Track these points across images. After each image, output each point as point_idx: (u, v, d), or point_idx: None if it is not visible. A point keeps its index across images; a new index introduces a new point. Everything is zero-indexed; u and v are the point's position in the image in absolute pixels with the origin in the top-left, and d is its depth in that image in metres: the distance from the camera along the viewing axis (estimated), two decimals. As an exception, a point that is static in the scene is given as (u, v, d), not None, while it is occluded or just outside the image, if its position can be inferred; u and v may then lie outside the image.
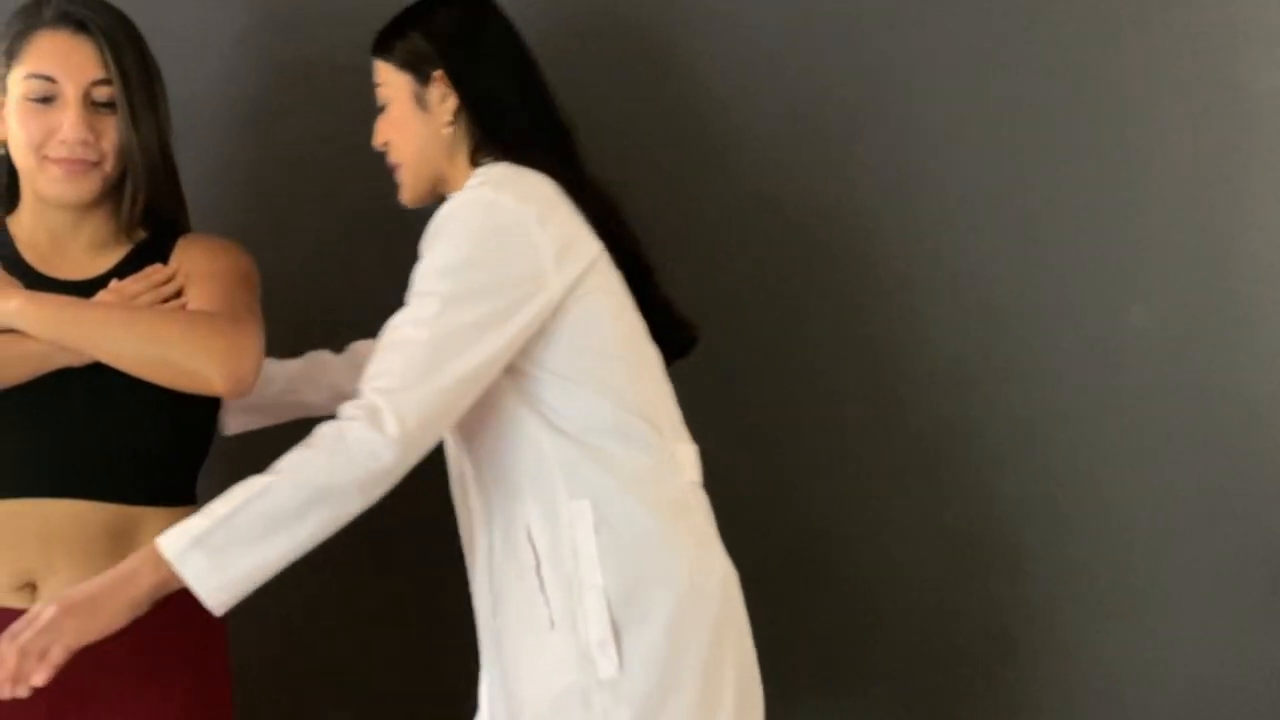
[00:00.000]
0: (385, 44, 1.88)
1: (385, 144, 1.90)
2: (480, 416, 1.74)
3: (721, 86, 2.31)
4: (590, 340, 1.75)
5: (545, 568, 1.71)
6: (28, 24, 1.81)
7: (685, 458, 1.81)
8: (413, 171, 1.88)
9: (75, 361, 1.73)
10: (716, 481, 1.84)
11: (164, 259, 1.88)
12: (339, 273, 2.31)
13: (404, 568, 2.29)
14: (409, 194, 1.90)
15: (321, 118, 2.29)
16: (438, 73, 1.84)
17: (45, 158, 1.79)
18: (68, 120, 1.78)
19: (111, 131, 1.81)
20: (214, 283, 1.83)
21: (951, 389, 2.31)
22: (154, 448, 1.80)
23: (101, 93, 1.80)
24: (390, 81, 1.88)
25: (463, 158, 1.85)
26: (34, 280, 1.82)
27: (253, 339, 1.77)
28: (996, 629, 2.32)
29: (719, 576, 1.76)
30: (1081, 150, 2.29)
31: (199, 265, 1.86)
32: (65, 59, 1.79)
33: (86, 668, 1.72)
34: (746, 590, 1.81)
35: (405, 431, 1.61)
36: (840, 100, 2.31)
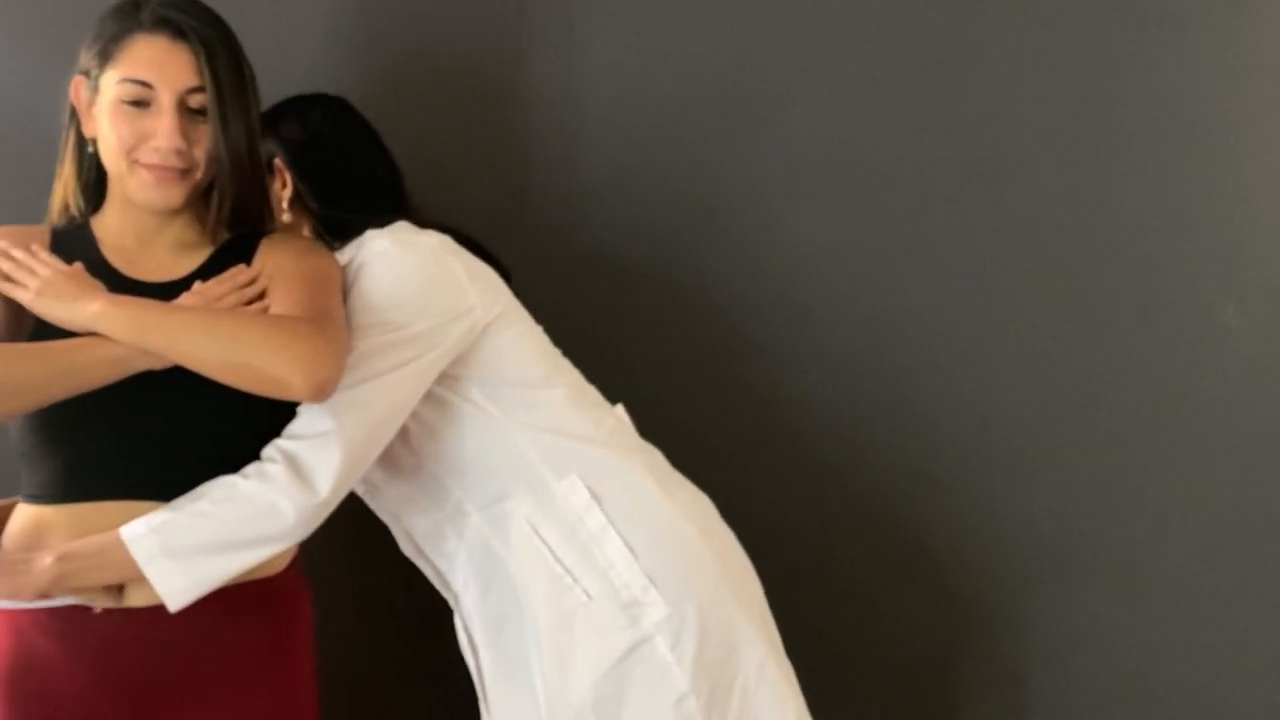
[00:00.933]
0: None
1: None
2: (446, 443, 1.87)
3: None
4: (526, 345, 1.91)
5: (561, 550, 1.82)
6: (125, 26, 1.79)
7: (621, 415, 1.99)
8: None
9: (157, 365, 1.73)
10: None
11: (247, 260, 1.87)
12: None
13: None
14: None
15: (409, 118, 2.28)
16: (277, 159, 1.97)
17: (136, 162, 1.79)
18: (162, 128, 1.77)
19: (204, 139, 1.80)
20: (297, 285, 1.82)
21: (1049, 389, 2.31)
22: (234, 450, 1.79)
23: (196, 100, 1.79)
24: None
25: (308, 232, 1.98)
26: (117, 282, 1.81)
27: (335, 343, 1.75)
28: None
29: (695, 501, 1.93)
30: (1178, 152, 2.26)
31: (283, 267, 1.85)
32: (162, 65, 1.77)
33: (177, 665, 1.77)
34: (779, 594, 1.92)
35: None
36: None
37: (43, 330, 1.76)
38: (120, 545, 1.70)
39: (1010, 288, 2.30)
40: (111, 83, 1.79)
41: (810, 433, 2.33)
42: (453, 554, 1.91)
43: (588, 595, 1.80)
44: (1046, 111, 2.27)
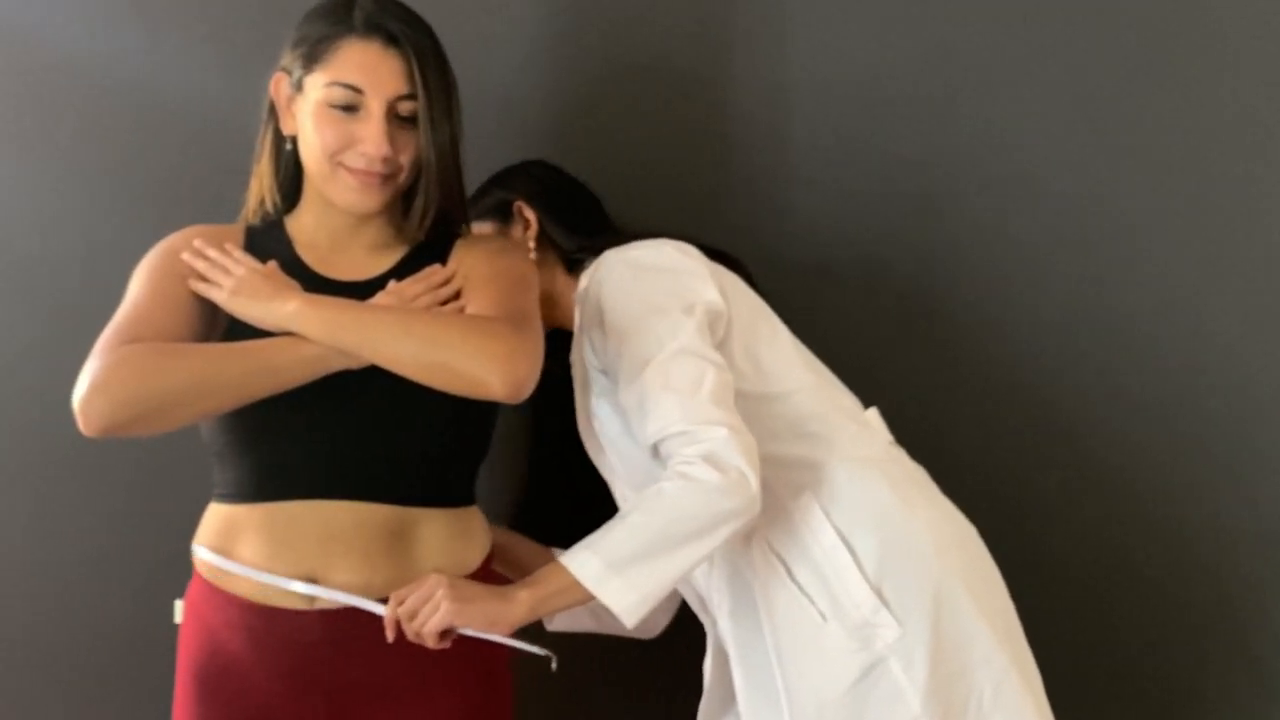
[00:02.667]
0: (469, 211, 1.99)
1: None
2: None
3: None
4: (757, 351, 1.87)
5: (796, 569, 1.79)
6: (335, 29, 1.78)
7: (873, 420, 1.93)
8: None
9: (352, 364, 1.71)
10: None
11: (442, 260, 1.86)
12: None
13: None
14: None
15: (614, 120, 2.27)
16: (517, 203, 2.03)
17: (340, 165, 1.78)
18: (371, 134, 1.75)
19: (410, 145, 1.79)
20: (493, 286, 1.80)
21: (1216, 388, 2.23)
22: (432, 450, 1.79)
23: (405, 107, 1.78)
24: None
25: (560, 270, 2.01)
26: (311, 281, 1.80)
27: (532, 343, 1.73)
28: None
29: (939, 512, 1.87)
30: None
31: (478, 267, 1.83)
32: (374, 71, 1.76)
33: (368, 669, 1.76)
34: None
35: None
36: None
37: (236, 330, 1.76)
38: (567, 572, 1.69)
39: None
40: (318, 84, 1.77)
41: (1072, 433, 2.26)
42: (708, 576, 1.90)
43: (823, 617, 1.76)
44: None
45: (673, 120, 2.24)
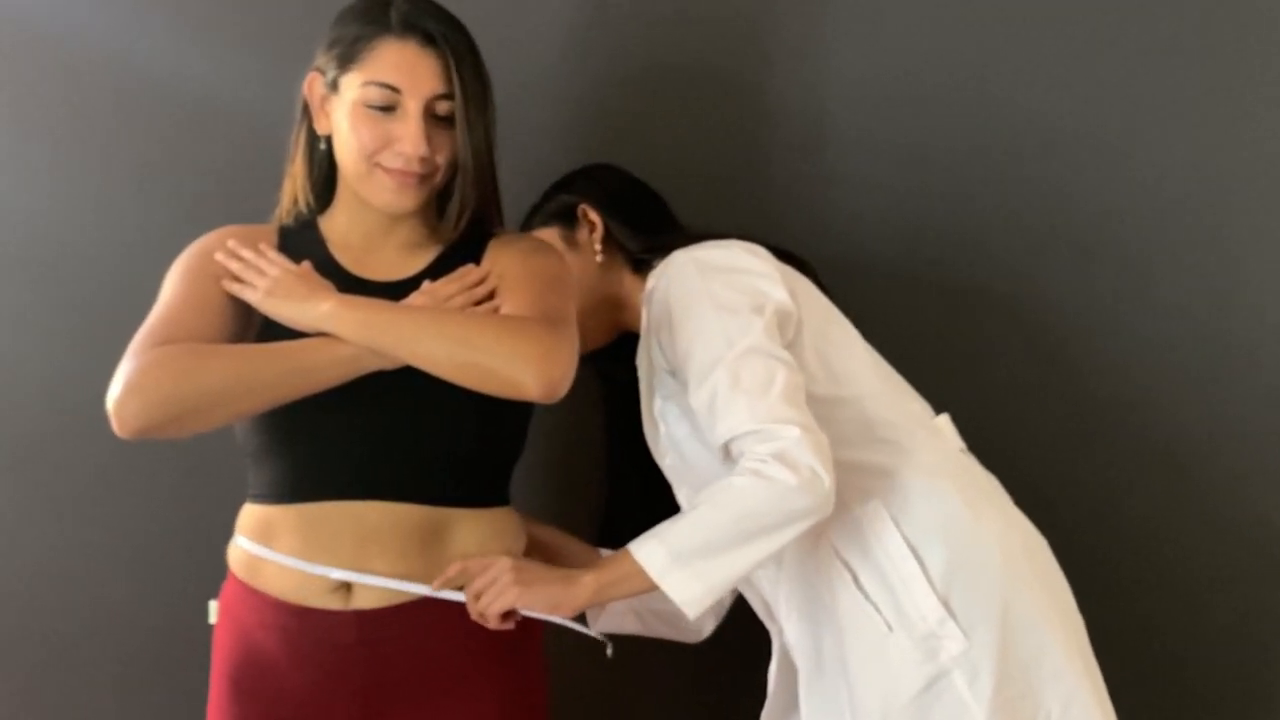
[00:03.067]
0: (529, 220, 2.07)
1: None
2: None
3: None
4: (828, 355, 1.83)
5: (863, 577, 1.76)
6: (371, 28, 1.77)
7: (944, 427, 1.90)
8: (587, 313, 1.94)
9: (387, 365, 1.71)
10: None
11: (475, 260, 1.85)
12: None
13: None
14: (591, 337, 1.96)
15: (644, 118, 2.27)
16: (581, 205, 2.01)
17: (377, 166, 1.77)
18: (409, 134, 1.75)
19: (446, 145, 1.78)
20: (528, 285, 1.79)
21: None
22: (467, 450, 1.78)
23: (442, 107, 1.77)
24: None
25: (628, 272, 2.00)
26: (345, 281, 1.80)
27: (567, 343, 1.72)
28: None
29: (1010, 523, 1.83)
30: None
31: (512, 267, 1.82)
32: (411, 71, 1.75)
33: (402, 670, 1.76)
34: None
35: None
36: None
37: (270, 330, 1.76)
38: (634, 560, 1.69)
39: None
40: (355, 84, 1.77)
41: (1116, 427, 2.25)
42: (775, 581, 1.88)
43: (888, 626, 1.73)
44: None
45: (710, 121, 2.23)
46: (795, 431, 1.64)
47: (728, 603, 2.02)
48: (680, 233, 2.00)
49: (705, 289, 1.77)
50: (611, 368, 2.06)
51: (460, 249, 1.85)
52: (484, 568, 1.74)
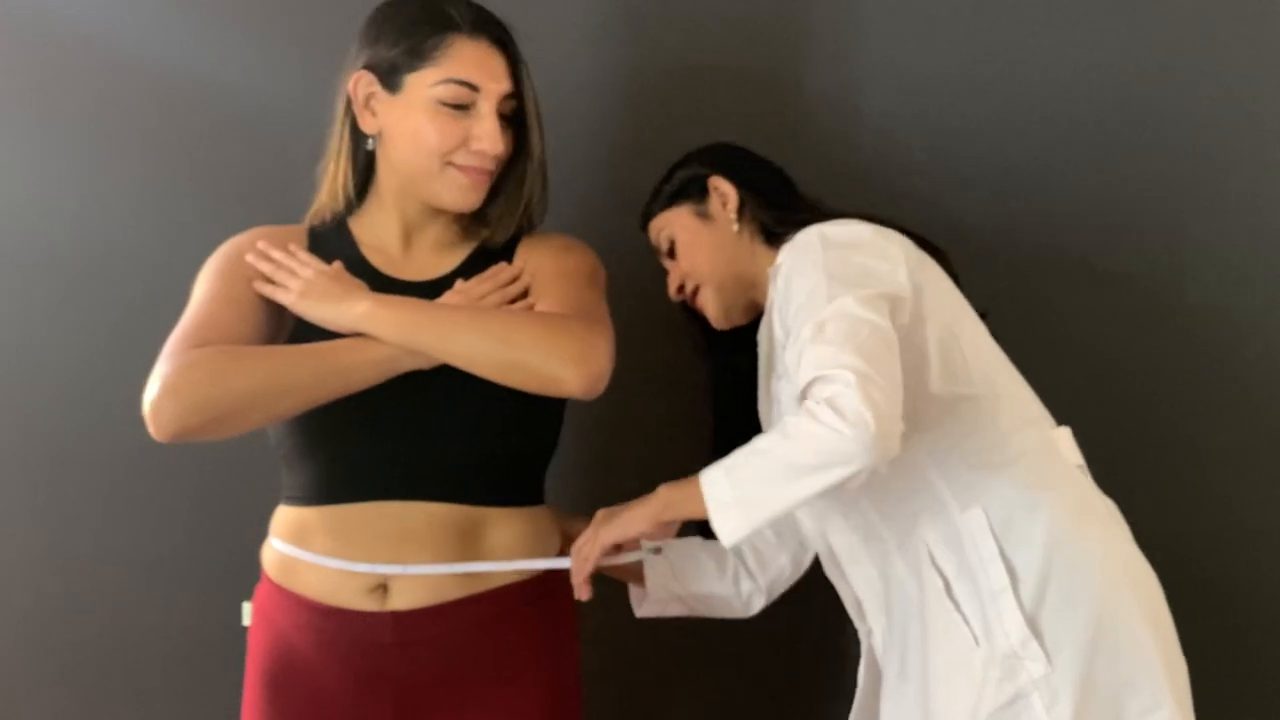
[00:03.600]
0: (653, 203, 2.00)
1: (683, 281, 1.96)
2: None
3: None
4: (952, 351, 1.76)
5: (955, 587, 1.69)
6: (442, 27, 1.77)
7: (1061, 441, 1.80)
8: (719, 286, 1.92)
9: (423, 365, 1.71)
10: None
11: (507, 258, 1.85)
12: None
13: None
14: (723, 312, 1.94)
15: (673, 120, 2.26)
16: (712, 178, 1.94)
17: (450, 164, 1.77)
18: (487, 132, 1.76)
19: (509, 144, 1.80)
20: (562, 282, 1.79)
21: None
22: (504, 449, 1.78)
23: (508, 106, 1.79)
24: (668, 224, 1.97)
25: (759, 244, 1.92)
26: (377, 281, 1.80)
27: (605, 339, 1.73)
28: None
29: (1117, 549, 1.73)
30: None
31: (545, 265, 1.83)
32: (487, 69, 1.76)
33: (438, 670, 1.76)
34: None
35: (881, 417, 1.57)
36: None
37: (303, 331, 1.76)
38: (699, 484, 1.65)
39: None
40: (427, 82, 1.76)
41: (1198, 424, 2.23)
42: (869, 581, 1.83)
43: (975, 640, 1.67)
44: None
45: (745, 117, 2.22)
46: (850, 376, 1.55)
47: (780, 585, 1.99)
48: (812, 208, 1.93)
49: (824, 259, 1.72)
50: (732, 358, 2.02)
51: (491, 248, 1.86)
52: (583, 532, 1.77)
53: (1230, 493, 2.21)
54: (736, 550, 1.97)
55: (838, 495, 1.66)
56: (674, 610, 2.01)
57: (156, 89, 2.28)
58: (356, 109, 1.81)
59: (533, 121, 1.80)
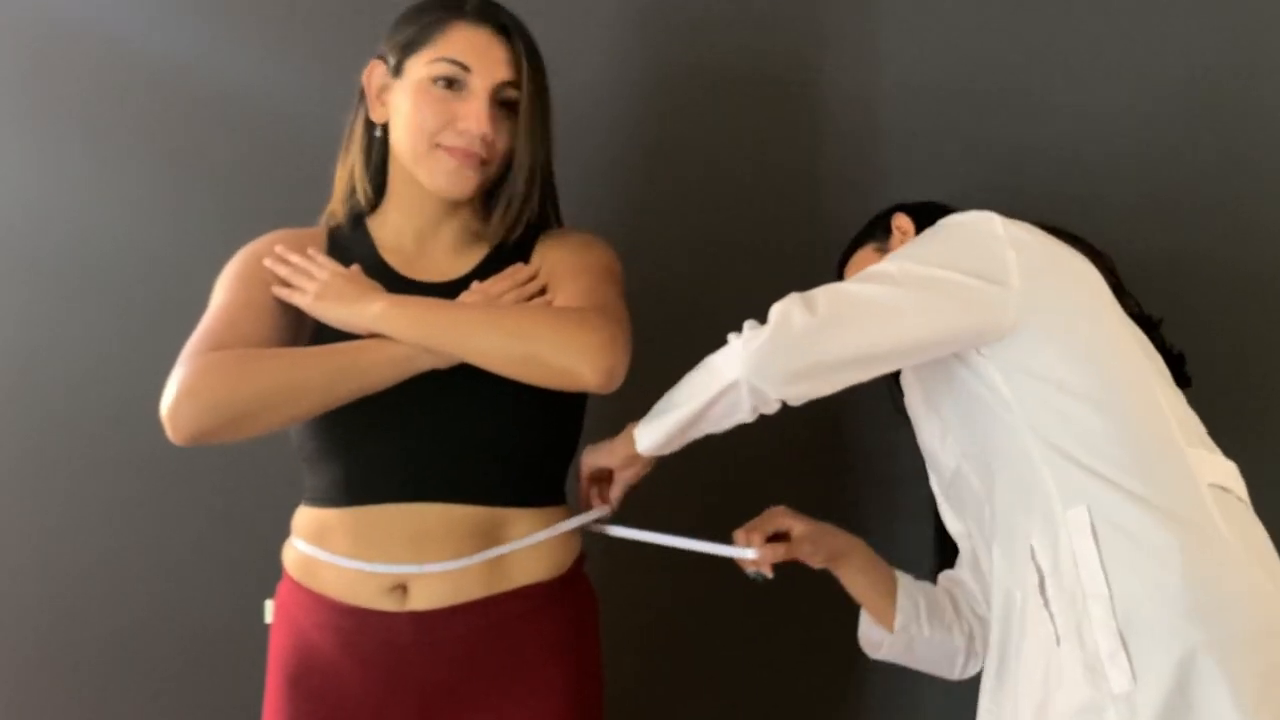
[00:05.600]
0: (846, 249, 2.04)
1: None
2: (987, 437, 1.72)
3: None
4: (1071, 349, 1.68)
5: (1049, 583, 1.63)
6: (445, 14, 1.79)
7: (1201, 463, 1.66)
8: None
9: (441, 364, 1.71)
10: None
11: (524, 258, 1.85)
12: (705, 276, 2.28)
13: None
14: None
15: (692, 122, 2.26)
16: (895, 215, 1.97)
17: (438, 145, 1.78)
18: (474, 112, 1.76)
19: (507, 135, 1.79)
20: (579, 278, 1.79)
21: None
22: (523, 449, 1.78)
23: (509, 94, 1.78)
24: (854, 264, 2.00)
25: None
26: (395, 283, 1.80)
27: (622, 332, 1.72)
28: None
29: (1238, 584, 1.59)
30: None
31: (563, 262, 1.82)
32: (483, 52, 1.77)
33: (459, 671, 1.75)
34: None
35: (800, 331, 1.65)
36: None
37: (323, 334, 1.76)
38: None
39: None
40: (422, 63, 1.78)
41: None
42: (990, 573, 1.80)
43: (1056, 640, 1.61)
44: None
45: (763, 120, 2.23)
46: (776, 313, 1.66)
47: (979, 647, 1.95)
48: None
49: (926, 240, 1.75)
50: None
51: (508, 248, 1.86)
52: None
53: None
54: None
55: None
56: (903, 659, 1.97)
57: (168, 90, 2.29)
58: (370, 99, 1.83)
59: (535, 113, 1.78)
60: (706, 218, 2.26)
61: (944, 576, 1.97)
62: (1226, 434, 1.74)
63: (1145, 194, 2.22)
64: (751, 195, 2.18)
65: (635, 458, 1.80)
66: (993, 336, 1.68)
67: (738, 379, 1.66)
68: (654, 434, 1.75)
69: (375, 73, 1.83)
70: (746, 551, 1.81)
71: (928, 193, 2.17)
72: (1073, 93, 2.22)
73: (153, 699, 2.32)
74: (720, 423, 1.73)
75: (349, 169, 1.88)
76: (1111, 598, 1.57)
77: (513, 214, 1.82)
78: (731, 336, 1.69)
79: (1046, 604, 1.62)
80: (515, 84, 1.77)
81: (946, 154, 2.23)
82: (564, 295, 1.77)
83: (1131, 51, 2.21)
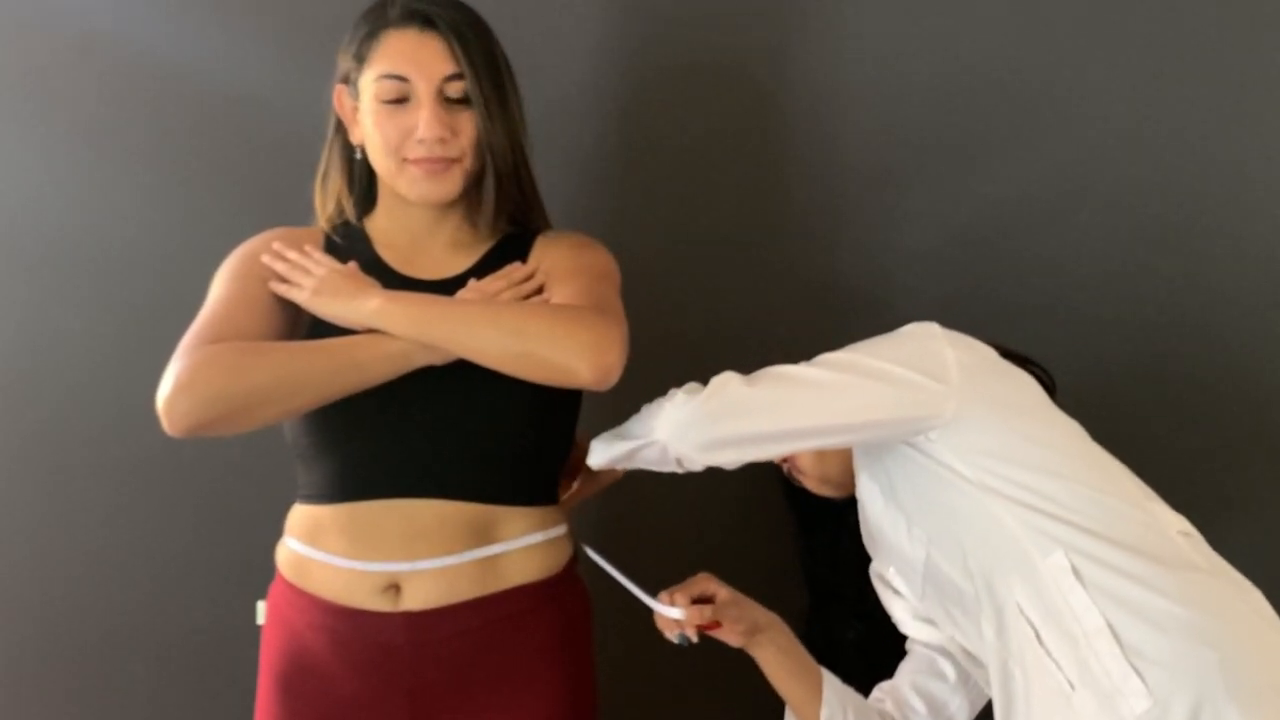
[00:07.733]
0: None
1: None
2: (952, 513, 1.73)
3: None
4: (1018, 432, 1.72)
5: (1045, 634, 1.64)
6: (374, 25, 1.79)
7: (1165, 513, 1.71)
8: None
9: (436, 360, 1.70)
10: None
11: (523, 258, 1.85)
12: (696, 274, 2.28)
13: (757, 566, 2.20)
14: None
15: (684, 119, 2.26)
16: None
17: (404, 160, 1.78)
18: (423, 119, 1.75)
19: (468, 127, 1.78)
20: (577, 279, 1.79)
21: None
22: (517, 447, 1.78)
23: (454, 88, 1.77)
24: None
25: None
26: (392, 280, 1.80)
27: (618, 330, 1.72)
28: None
29: (1232, 604, 1.63)
30: None
31: (561, 262, 1.83)
32: (414, 56, 1.76)
33: (451, 671, 1.76)
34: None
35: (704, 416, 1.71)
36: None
37: (319, 331, 1.76)
38: None
39: None
40: (369, 83, 1.78)
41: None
42: (978, 637, 1.79)
43: (1070, 685, 1.60)
44: None
45: (726, 120, 2.22)
46: (712, 385, 1.73)
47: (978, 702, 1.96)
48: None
49: (881, 340, 1.79)
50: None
51: (506, 248, 1.86)
52: None
53: None
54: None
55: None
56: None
57: (167, 88, 2.28)
58: (347, 123, 1.84)
59: (488, 97, 1.77)
60: (686, 214, 2.26)
61: (879, 689, 1.96)
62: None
63: (1130, 180, 2.23)
64: (730, 192, 2.18)
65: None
66: (930, 426, 1.71)
67: (661, 440, 1.73)
68: (601, 456, 1.81)
69: (343, 98, 1.83)
70: (673, 610, 1.82)
71: (903, 186, 2.22)
72: (1054, 85, 2.23)
73: (145, 700, 2.32)
74: (658, 466, 1.79)
75: (334, 194, 1.89)
76: (1111, 626, 1.58)
77: (488, 201, 1.82)
78: (672, 392, 1.75)
79: (1049, 654, 1.62)
80: (459, 74, 1.76)
81: (923, 149, 2.23)
82: (561, 294, 1.77)
83: (1114, 38, 2.22)
